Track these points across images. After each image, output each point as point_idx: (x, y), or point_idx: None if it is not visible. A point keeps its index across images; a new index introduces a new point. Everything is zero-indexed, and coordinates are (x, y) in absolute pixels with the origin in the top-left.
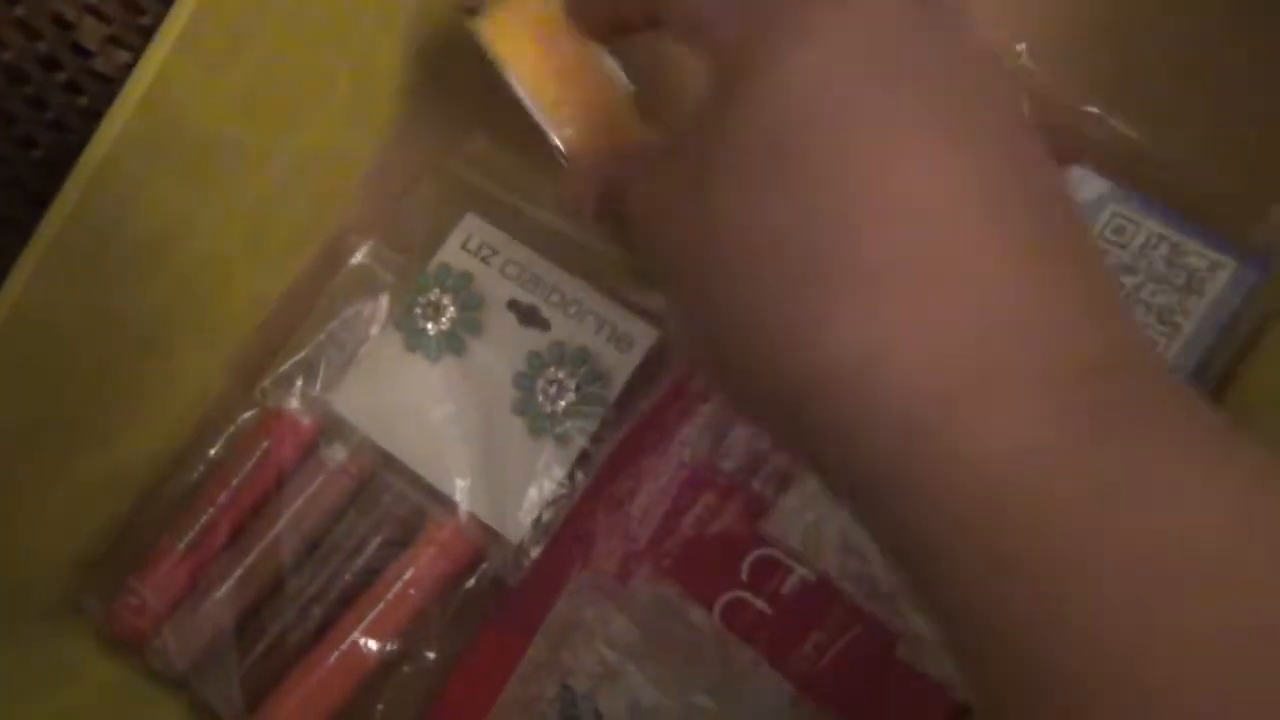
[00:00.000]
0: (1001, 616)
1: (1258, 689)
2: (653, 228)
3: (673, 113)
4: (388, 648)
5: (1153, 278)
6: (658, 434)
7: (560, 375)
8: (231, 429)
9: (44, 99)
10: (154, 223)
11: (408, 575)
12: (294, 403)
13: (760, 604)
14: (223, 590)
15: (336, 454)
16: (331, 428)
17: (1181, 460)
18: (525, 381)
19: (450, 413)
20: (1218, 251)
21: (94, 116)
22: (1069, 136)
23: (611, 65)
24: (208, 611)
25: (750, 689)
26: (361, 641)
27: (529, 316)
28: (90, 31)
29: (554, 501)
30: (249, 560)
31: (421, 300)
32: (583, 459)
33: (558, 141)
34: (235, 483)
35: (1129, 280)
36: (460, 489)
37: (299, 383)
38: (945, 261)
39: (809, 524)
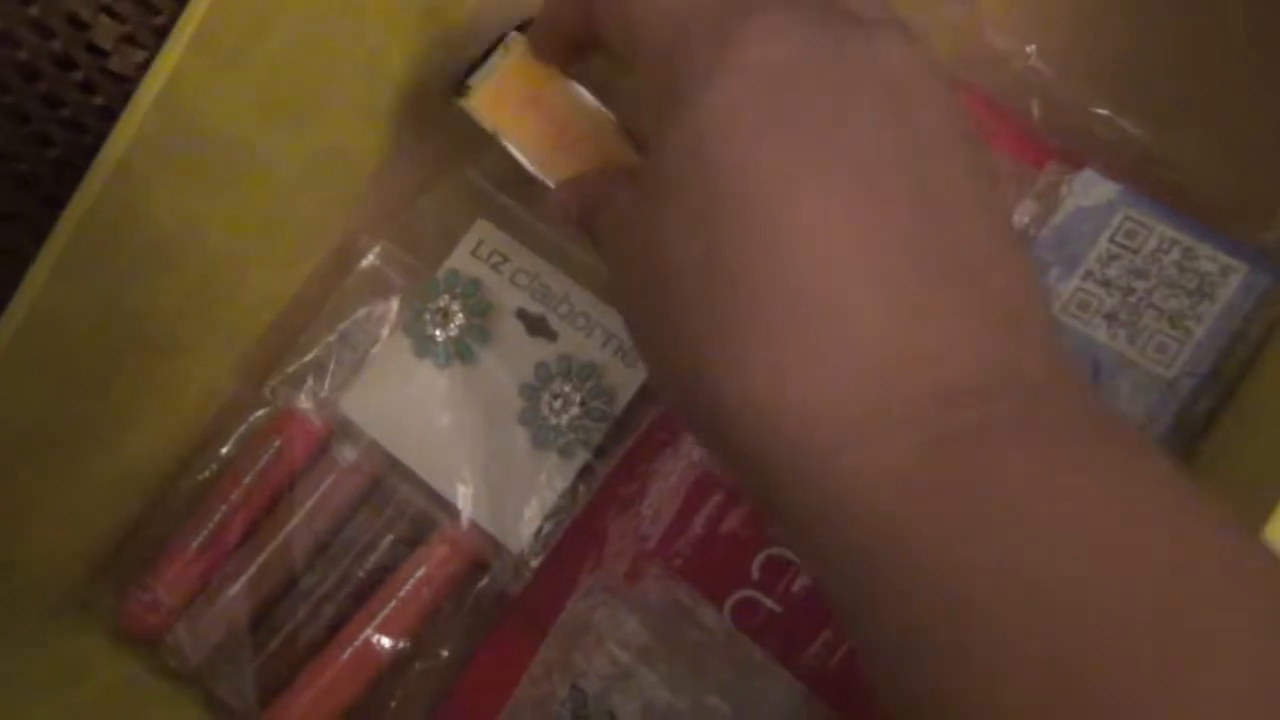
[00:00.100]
0: (878, 636)
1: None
2: (609, 245)
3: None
4: (400, 645)
5: (1164, 282)
6: (668, 434)
7: (566, 389)
8: (243, 428)
9: (59, 98)
10: (168, 222)
11: (420, 573)
12: (304, 402)
13: (770, 603)
14: (236, 587)
15: (347, 454)
16: (342, 428)
17: (1038, 483)
18: (531, 392)
19: (456, 420)
20: (1229, 255)
21: (109, 115)
22: (1079, 138)
23: (597, 104)
24: (221, 608)
25: (762, 689)
26: (374, 639)
27: (537, 326)
28: (105, 30)
29: (554, 514)
30: (262, 558)
31: (431, 307)
32: (585, 473)
33: (553, 186)
34: (247, 481)
35: (1140, 284)
36: (463, 496)
37: (309, 382)
38: (832, 303)
39: None
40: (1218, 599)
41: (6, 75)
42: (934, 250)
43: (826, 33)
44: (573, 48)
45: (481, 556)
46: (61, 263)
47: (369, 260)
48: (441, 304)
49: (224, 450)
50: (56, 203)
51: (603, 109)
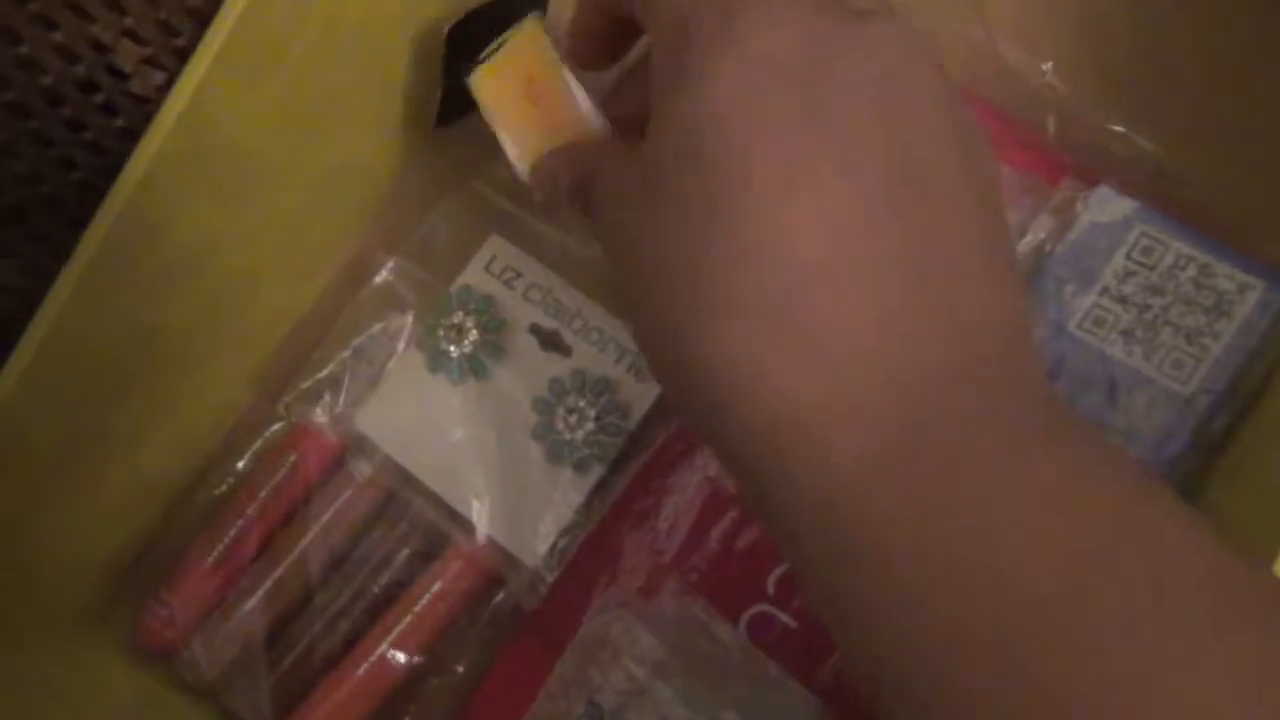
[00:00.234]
0: (841, 617)
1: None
2: (606, 220)
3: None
4: (415, 660)
5: (1181, 299)
6: (683, 448)
7: (581, 404)
8: (259, 443)
9: (82, 121)
10: (186, 240)
11: (435, 588)
12: (320, 417)
13: (786, 618)
14: (252, 602)
15: (362, 469)
16: (357, 443)
17: (994, 472)
18: (545, 407)
19: (470, 435)
20: (1246, 273)
21: (131, 137)
22: (1094, 155)
23: (589, 103)
24: (237, 623)
25: (778, 704)
26: (389, 654)
27: (551, 341)
28: (127, 54)
29: (570, 529)
30: (277, 573)
31: (445, 323)
32: (600, 487)
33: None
34: (263, 495)
35: (1157, 301)
36: (478, 511)
37: (325, 398)
38: (808, 304)
39: None
40: (1157, 590)
41: (32, 101)
42: (912, 257)
43: (826, 22)
44: (608, 20)
45: (497, 571)
46: (83, 282)
47: (382, 275)
48: (455, 320)
49: (240, 465)
50: (81, 224)
51: (594, 108)
